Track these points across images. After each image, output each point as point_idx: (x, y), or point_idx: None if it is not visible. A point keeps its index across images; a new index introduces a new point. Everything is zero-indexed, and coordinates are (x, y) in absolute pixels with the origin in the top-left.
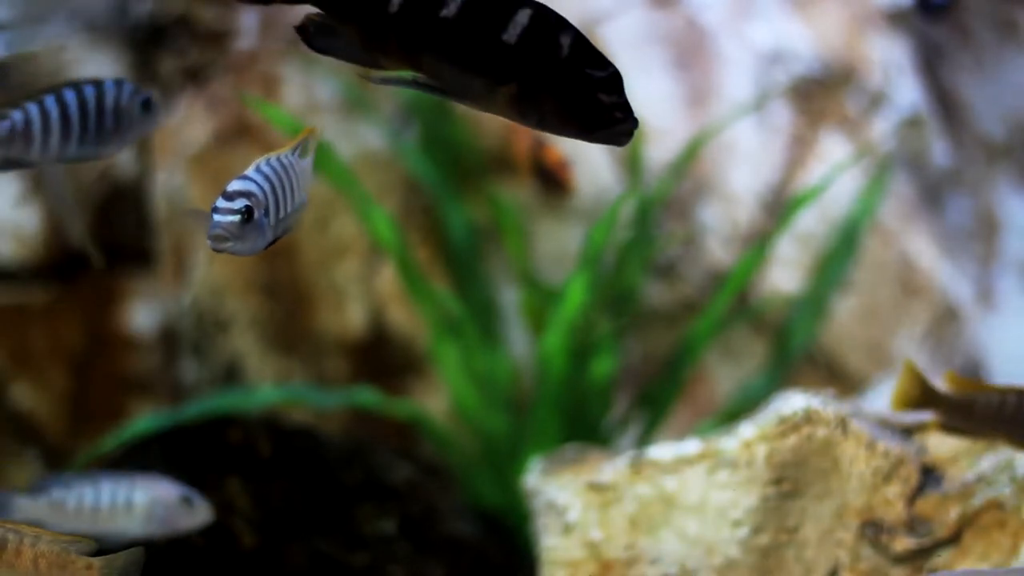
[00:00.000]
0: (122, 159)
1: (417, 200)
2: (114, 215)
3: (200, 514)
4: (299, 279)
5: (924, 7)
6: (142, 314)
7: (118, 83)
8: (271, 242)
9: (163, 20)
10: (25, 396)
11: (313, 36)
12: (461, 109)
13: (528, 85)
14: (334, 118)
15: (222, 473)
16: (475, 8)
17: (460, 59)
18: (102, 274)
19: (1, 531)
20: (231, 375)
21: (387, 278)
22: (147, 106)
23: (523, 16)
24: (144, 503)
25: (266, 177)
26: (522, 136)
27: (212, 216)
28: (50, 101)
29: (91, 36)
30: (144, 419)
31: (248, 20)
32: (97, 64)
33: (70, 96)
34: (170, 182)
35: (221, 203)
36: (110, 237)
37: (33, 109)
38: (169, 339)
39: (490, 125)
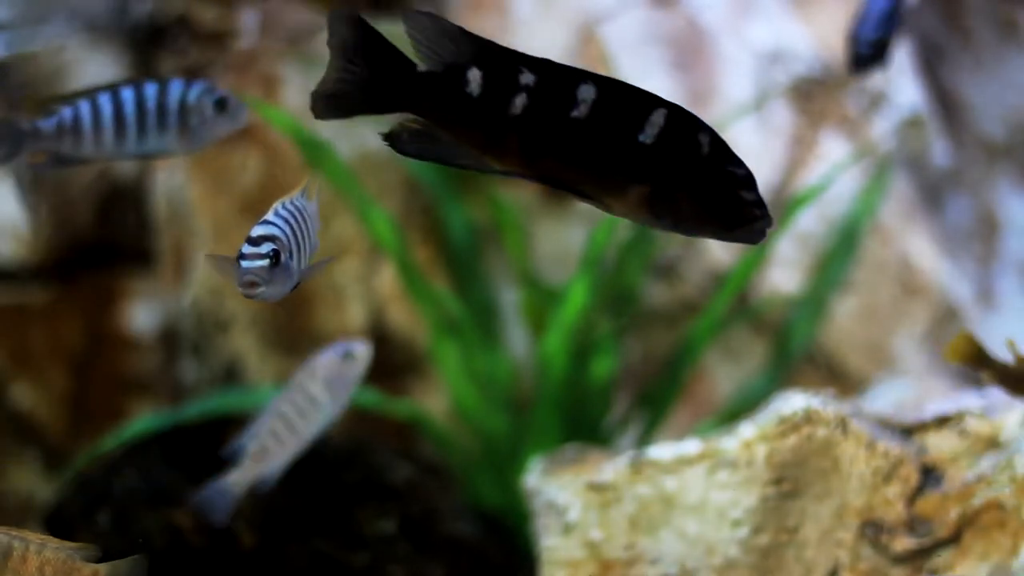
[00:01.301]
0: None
1: (417, 200)
2: (114, 215)
3: (364, 356)
4: None
5: (855, 61)
6: (142, 314)
7: (187, 82)
8: (295, 285)
9: (163, 20)
10: (25, 396)
11: (405, 143)
12: None
13: (665, 185)
14: None
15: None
16: (608, 109)
17: (590, 161)
18: (102, 274)
19: (7, 538)
20: (231, 375)
21: (387, 278)
22: (222, 105)
23: (659, 116)
24: (322, 387)
25: (285, 220)
26: None
27: (240, 263)
28: (104, 98)
29: (91, 36)
30: (144, 419)
31: (248, 20)
32: (97, 64)
33: (127, 94)
34: (170, 182)
35: (248, 249)
36: (110, 237)
37: (84, 106)
38: (169, 339)
39: None
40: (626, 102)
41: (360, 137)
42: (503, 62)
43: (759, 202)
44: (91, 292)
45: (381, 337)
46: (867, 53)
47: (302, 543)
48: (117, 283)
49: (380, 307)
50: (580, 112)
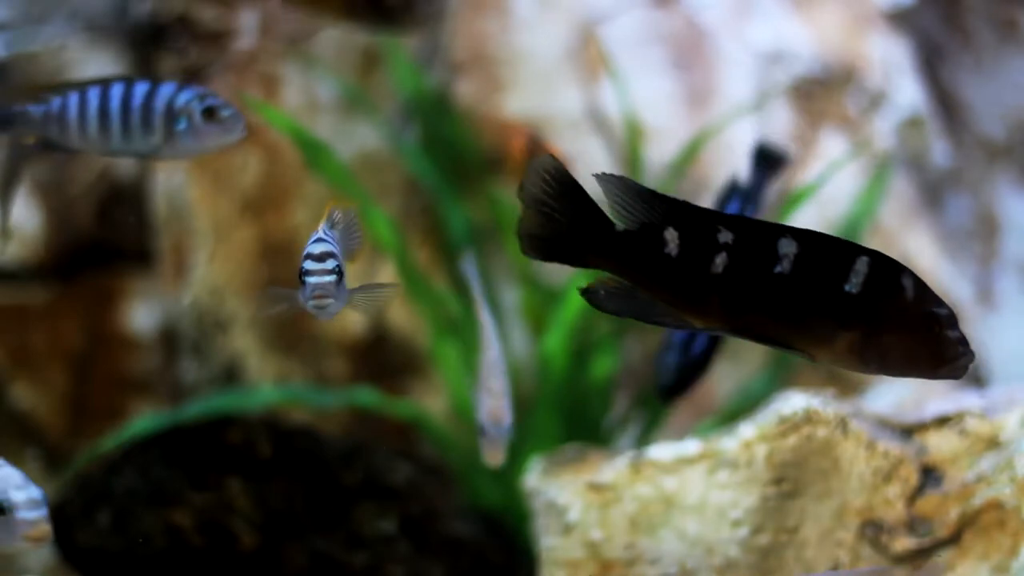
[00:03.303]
0: (122, 159)
1: (417, 200)
2: (114, 215)
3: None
4: None
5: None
6: (142, 314)
7: (179, 86)
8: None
9: (163, 20)
10: (25, 396)
11: (603, 299)
12: (461, 109)
13: (873, 332)
14: (334, 118)
15: (222, 473)
16: (811, 262)
17: (797, 315)
18: (102, 274)
19: None
20: (231, 375)
21: (387, 278)
22: (211, 113)
23: (862, 264)
24: (485, 377)
25: (335, 240)
26: (517, 135)
27: (307, 279)
28: (93, 92)
29: (91, 36)
30: (144, 419)
31: (248, 20)
32: (97, 64)
33: (116, 90)
34: (170, 182)
35: (313, 265)
36: (110, 237)
37: (73, 97)
38: (169, 339)
39: (490, 125)
40: (828, 253)
41: (360, 137)
42: (699, 221)
43: (963, 340)
44: (91, 292)
45: (381, 337)
46: (673, 384)
47: (302, 543)
48: (117, 283)
49: (380, 307)
50: (783, 267)
